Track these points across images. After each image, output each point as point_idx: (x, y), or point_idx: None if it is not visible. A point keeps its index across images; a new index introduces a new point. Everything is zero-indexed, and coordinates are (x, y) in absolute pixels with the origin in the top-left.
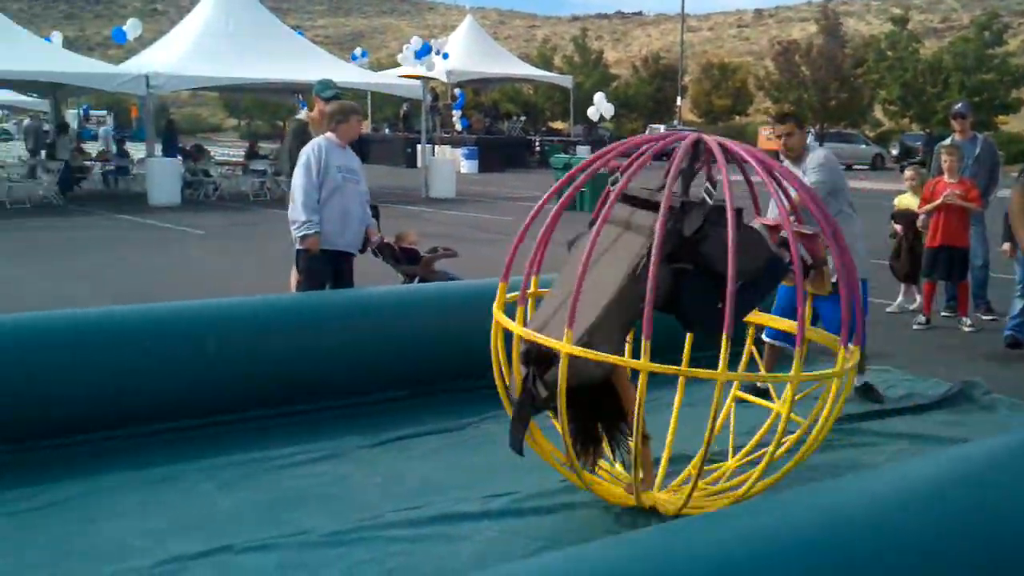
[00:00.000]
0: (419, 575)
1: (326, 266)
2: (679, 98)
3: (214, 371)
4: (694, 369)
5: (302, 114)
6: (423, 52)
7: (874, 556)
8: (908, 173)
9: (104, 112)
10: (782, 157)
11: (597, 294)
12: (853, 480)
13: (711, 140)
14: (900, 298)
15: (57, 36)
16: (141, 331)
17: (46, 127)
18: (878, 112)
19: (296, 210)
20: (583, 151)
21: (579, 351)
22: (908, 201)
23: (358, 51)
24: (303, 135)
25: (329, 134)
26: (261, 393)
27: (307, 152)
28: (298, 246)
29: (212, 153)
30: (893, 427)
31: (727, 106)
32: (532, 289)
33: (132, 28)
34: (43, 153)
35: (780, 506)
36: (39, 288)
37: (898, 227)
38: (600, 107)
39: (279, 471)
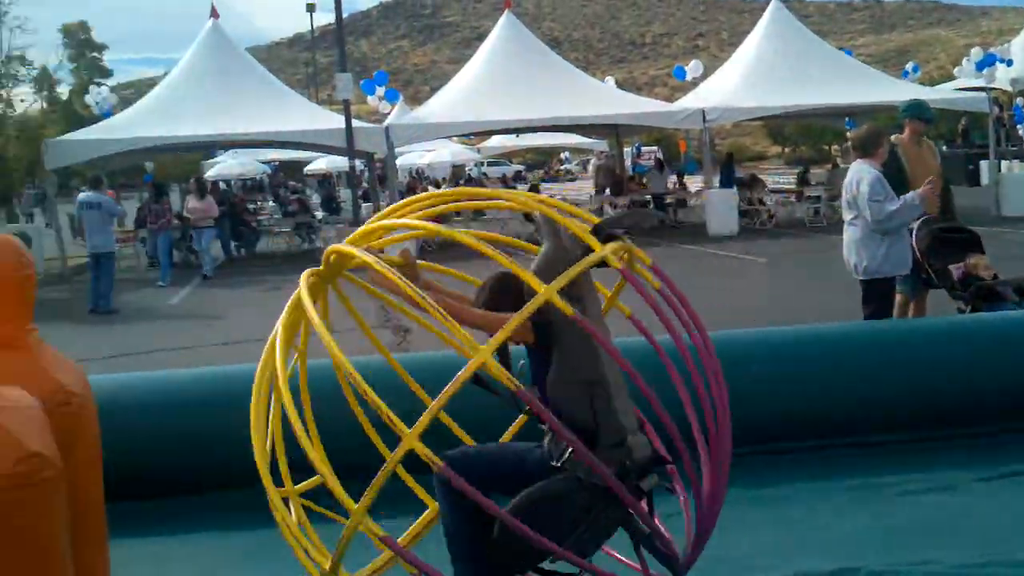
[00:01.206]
0: None
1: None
2: None
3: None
4: None
5: (892, 137)
6: (984, 63)
7: None
8: None
9: (654, 148)
10: None
11: None
12: None
13: None
14: None
15: (610, 80)
16: (753, 355)
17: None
18: None
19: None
20: None
21: None
22: None
23: (909, 66)
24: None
25: (866, 159)
26: (869, 419)
27: (873, 186)
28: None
29: (768, 182)
30: None
31: None
32: None
33: (693, 68)
34: (607, 190)
35: None
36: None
37: None
38: None
39: (894, 498)
